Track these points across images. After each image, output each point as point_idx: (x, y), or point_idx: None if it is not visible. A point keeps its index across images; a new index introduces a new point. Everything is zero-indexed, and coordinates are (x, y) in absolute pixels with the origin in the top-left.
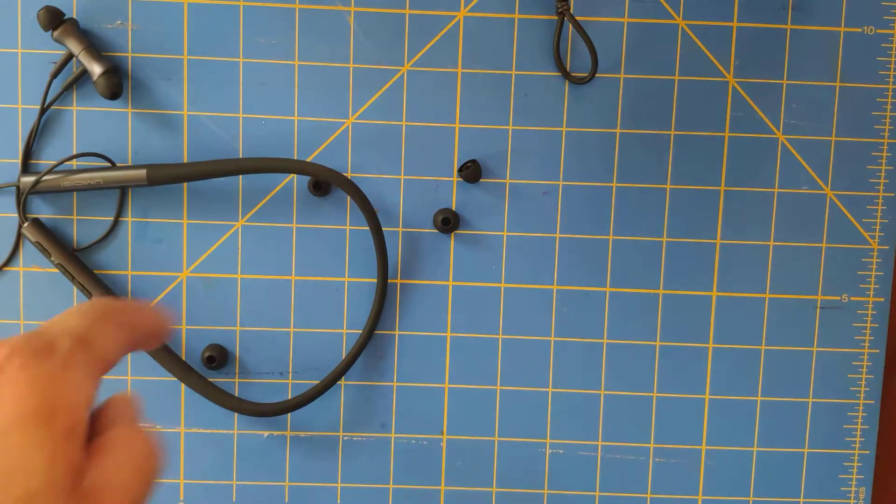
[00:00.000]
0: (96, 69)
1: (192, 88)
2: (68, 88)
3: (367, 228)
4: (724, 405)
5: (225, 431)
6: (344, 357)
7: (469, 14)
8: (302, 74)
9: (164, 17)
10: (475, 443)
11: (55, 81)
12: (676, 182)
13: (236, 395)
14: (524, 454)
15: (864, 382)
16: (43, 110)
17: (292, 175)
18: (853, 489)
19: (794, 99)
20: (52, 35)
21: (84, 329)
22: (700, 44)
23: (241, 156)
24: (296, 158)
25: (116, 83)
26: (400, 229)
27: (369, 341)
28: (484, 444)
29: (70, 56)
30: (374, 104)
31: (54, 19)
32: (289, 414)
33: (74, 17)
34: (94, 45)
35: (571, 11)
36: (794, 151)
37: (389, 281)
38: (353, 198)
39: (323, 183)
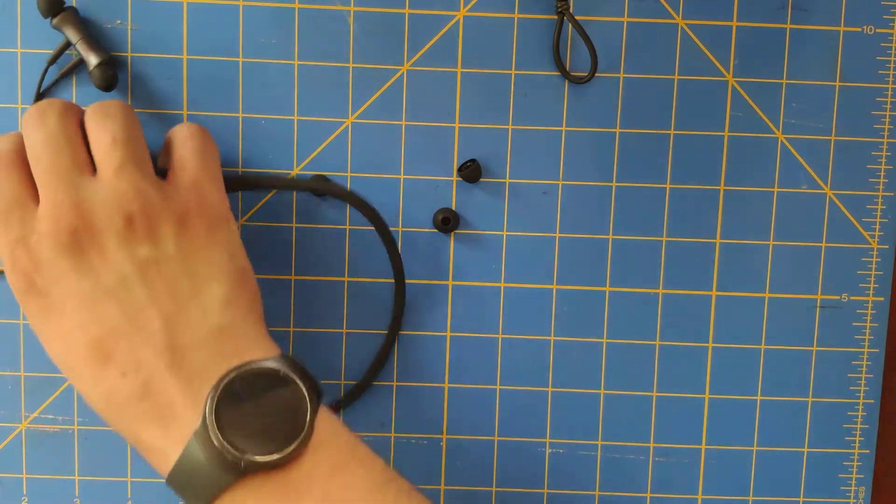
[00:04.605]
0: (92, 60)
1: (192, 88)
2: (65, 76)
3: (368, 228)
4: (723, 405)
5: None
6: (372, 362)
7: (469, 14)
8: (302, 74)
9: (163, 17)
10: (475, 442)
11: (51, 69)
12: (676, 182)
13: None
14: (524, 454)
15: (863, 382)
16: (38, 97)
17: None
18: (853, 489)
19: (794, 98)
20: (50, 22)
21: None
22: (700, 43)
23: (240, 155)
24: (293, 167)
25: (111, 75)
26: (400, 229)
27: (395, 343)
28: (484, 444)
29: (67, 44)
30: (373, 104)
31: (54, 6)
32: None
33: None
34: (94, 36)
35: (571, 11)
36: (793, 151)
37: (387, 280)
38: (365, 215)
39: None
